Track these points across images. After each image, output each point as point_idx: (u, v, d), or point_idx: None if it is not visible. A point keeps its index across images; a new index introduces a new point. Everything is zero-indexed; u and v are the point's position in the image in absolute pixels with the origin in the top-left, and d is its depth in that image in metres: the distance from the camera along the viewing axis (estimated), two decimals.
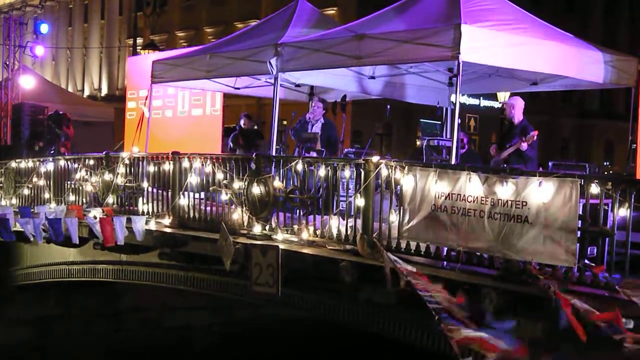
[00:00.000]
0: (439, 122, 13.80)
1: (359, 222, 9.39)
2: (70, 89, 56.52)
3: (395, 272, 8.11)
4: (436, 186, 8.50)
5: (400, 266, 8.13)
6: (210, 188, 11.52)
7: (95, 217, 12.62)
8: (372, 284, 9.01)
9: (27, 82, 25.93)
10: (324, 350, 18.14)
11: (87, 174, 14.00)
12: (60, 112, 20.87)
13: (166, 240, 11.90)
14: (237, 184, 10.95)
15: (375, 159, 9.32)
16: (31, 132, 22.10)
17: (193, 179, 11.81)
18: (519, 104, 11.72)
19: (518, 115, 11.62)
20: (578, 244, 7.42)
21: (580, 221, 7.41)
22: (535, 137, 11.20)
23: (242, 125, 16.05)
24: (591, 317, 6.58)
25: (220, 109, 16.90)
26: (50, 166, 15.12)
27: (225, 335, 18.75)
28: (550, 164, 12.18)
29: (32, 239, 13.81)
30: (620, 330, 6.39)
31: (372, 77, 13.59)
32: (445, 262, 8.54)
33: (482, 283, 7.75)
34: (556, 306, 6.88)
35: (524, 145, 11.14)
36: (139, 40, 37.57)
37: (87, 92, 59.08)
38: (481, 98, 37.03)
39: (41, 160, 15.65)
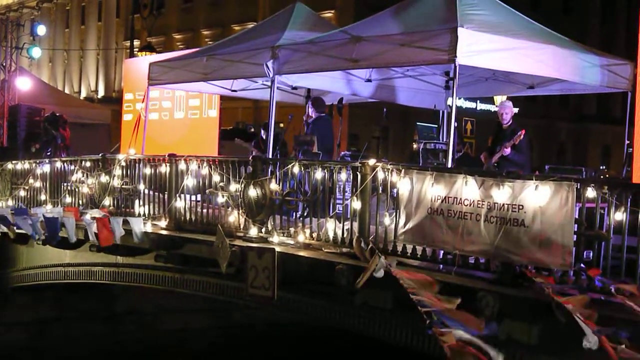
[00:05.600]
0: (436, 126, 13.81)
1: (356, 225, 9.39)
2: (67, 91, 56.52)
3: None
4: (432, 189, 8.50)
5: (393, 270, 8.12)
6: (207, 190, 11.51)
7: (92, 218, 12.60)
8: (369, 287, 9.00)
9: (23, 84, 25.92)
10: (319, 353, 18.13)
11: (83, 176, 13.98)
12: (57, 114, 20.83)
13: (162, 242, 11.88)
14: (233, 187, 10.94)
15: (371, 162, 9.31)
16: (27, 133, 22.11)
17: (189, 182, 11.80)
18: (512, 107, 11.81)
19: (509, 119, 11.67)
20: (574, 248, 7.43)
21: (576, 225, 7.41)
22: (522, 136, 11.21)
23: (263, 137, 15.52)
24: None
25: (217, 112, 16.90)
26: (46, 168, 15.10)
27: (222, 337, 18.74)
28: (546, 167, 12.20)
29: (30, 233, 13.81)
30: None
31: (369, 80, 13.59)
32: (441, 265, 8.54)
33: (478, 286, 7.75)
34: (557, 307, 6.88)
35: (507, 150, 11.17)
36: (136, 43, 37.50)
37: (83, 94, 59.05)
38: (478, 101, 37.04)
39: (37, 161, 15.63)
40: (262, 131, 15.64)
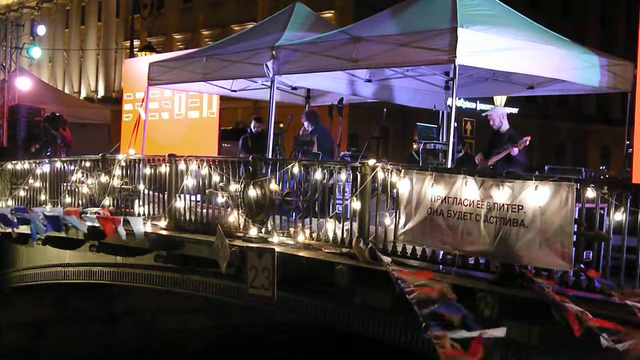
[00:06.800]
0: (436, 126, 13.81)
1: (355, 225, 9.39)
2: (66, 91, 56.47)
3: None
4: (432, 190, 8.50)
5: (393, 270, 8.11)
6: (207, 190, 11.51)
7: (94, 213, 12.59)
8: (368, 288, 9.00)
9: (23, 84, 25.92)
10: (319, 353, 18.13)
11: (83, 176, 13.97)
12: (57, 114, 20.83)
13: (162, 242, 11.87)
14: (233, 187, 10.94)
15: (371, 162, 9.31)
16: (27, 133, 22.10)
17: (189, 182, 11.80)
18: (505, 112, 11.81)
19: (505, 124, 11.70)
20: (574, 248, 7.42)
21: (576, 225, 7.41)
22: (527, 143, 11.27)
23: (253, 129, 15.73)
24: (586, 318, 6.56)
25: (217, 112, 16.90)
26: (46, 168, 15.09)
27: (221, 337, 18.74)
28: (546, 167, 12.21)
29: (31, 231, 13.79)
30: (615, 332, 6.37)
31: (369, 81, 13.60)
32: (441, 266, 8.54)
33: (477, 287, 7.74)
34: (554, 305, 6.88)
35: (515, 150, 11.20)
36: (136, 42, 37.50)
37: (83, 94, 59.03)
38: (478, 102, 37.04)
39: (37, 161, 15.61)
40: (254, 122, 15.73)
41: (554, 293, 6.97)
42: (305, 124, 13.52)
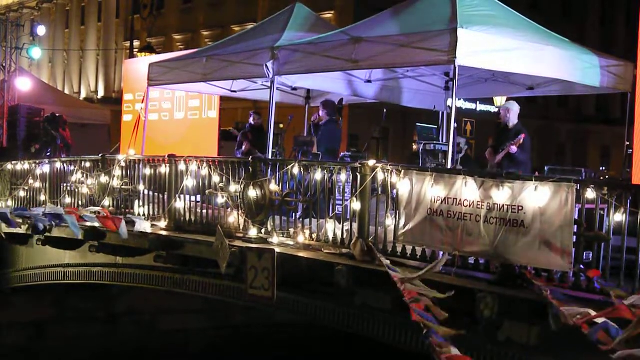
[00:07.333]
0: (436, 127, 13.81)
1: (355, 226, 9.39)
2: (66, 91, 56.44)
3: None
4: (432, 190, 8.50)
5: (393, 274, 8.11)
6: (207, 191, 11.51)
7: (95, 213, 12.58)
8: (368, 288, 9.00)
9: (23, 84, 25.94)
10: (319, 354, 18.11)
11: (83, 177, 13.97)
12: (57, 115, 20.85)
13: (162, 243, 11.87)
14: (233, 187, 10.94)
15: (371, 162, 9.31)
16: (27, 134, 22.14)
17: (189, 182, 11.80)
18: (515, 108, 11.78)
19: (513, 120, 11.69)
20: (574, 249, 7.42)
21: (576, 226, 7.41)
22: (522, 140, 11.26)
23: (252, 122, 15.89)
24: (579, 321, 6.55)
25: (217, 112, 16.90)
26: (46, 168, 15.08)
27: (221, 338, 18.73)
28: (546, 168, 12.21)
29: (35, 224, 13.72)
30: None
31: (369, 81, 13.61)
32: (441, 266, 8.53)
33: (477, 287, 7.74)
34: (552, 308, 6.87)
35: (513, 148, 11.22)
36: (136, 43, 37.46)
37: (83, 95, 59.00)
38: (478, 102, 37.08)
39: (37, 162, 15.61)
40: (253, 115, 15.78)
41: (553, 298, 6.95)
42: (321, 112, 13.45)
